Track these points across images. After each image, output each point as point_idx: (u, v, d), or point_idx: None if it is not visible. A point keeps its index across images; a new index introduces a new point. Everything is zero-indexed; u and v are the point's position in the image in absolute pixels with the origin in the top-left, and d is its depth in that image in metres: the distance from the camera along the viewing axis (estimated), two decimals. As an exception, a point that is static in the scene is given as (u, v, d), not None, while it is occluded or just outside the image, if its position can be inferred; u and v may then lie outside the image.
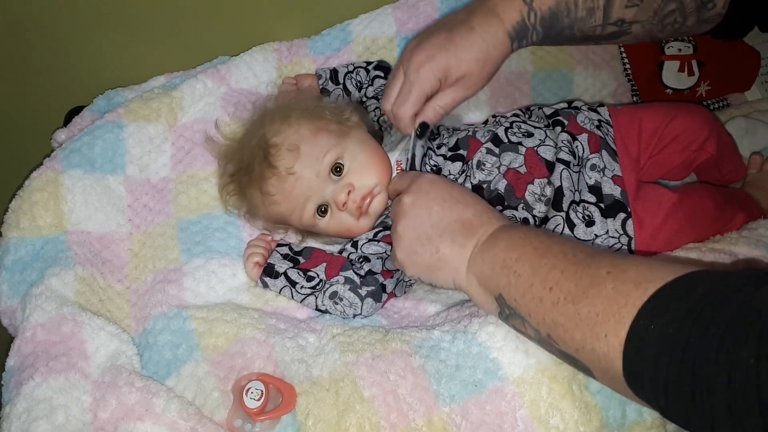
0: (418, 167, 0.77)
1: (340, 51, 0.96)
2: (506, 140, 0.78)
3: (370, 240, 0.77)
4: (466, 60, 0.69)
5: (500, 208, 0.74)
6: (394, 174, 0.79)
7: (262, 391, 0.61)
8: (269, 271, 0.76)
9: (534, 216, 0.74)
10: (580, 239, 0.74)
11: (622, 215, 0.74)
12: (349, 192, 0.76)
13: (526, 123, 0.80)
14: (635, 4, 0.66)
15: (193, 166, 0.85)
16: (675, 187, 0.84)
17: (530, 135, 0.78)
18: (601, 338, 0.47)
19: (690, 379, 0.41)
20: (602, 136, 0.79)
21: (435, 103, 0.72)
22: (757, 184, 0.90)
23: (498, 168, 0.76)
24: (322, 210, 0.78)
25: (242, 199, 0.81)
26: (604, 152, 0.78)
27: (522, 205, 0.74)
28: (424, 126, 0.73)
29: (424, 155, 0.79)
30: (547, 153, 0.76)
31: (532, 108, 0.87)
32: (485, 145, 0.78)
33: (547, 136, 0.78)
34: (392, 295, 0.77)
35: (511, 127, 0.79)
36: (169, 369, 0.67)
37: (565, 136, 0.78)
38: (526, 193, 0.74)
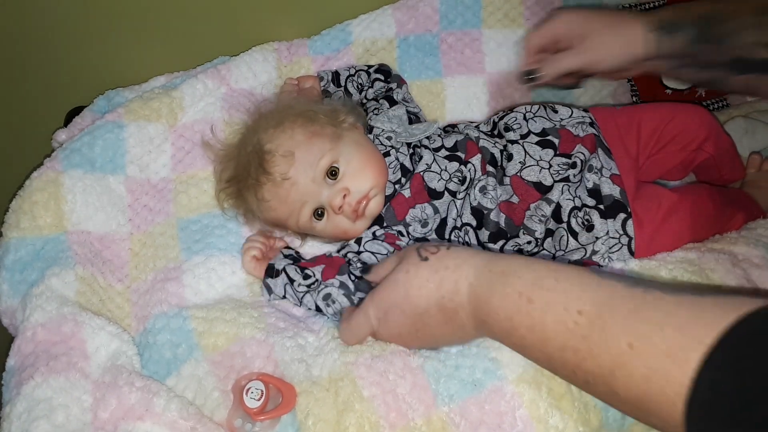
0: (410, 167, 0.77)
1: (339, 52, 0.96)
2: (499, 164, 0.78)
3: (374, 238, 0.77)
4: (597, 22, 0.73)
5: (503, 241, 0.75)
6: (390, 175, 0.79)
7: (262, 390, 0.61)
8: (270, 272, 0.76)
9: (536, 238, 0.75)
10: (582, 245, 0.74)
11: (622, 215, 0.74)
12: (344, 196, 0.76)
13: (516, 143, 0.79)
14: None
15: (193, 166, 0.85)
16: (674, 187, 0.84)
17: (510, 158, 0.78)
18: None
19: None
20: (596, 133, 0.79)
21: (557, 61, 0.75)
22: (756, 184, 0.90)
23: (496, 202, 0.76)
24: (319, 213, 0.78)
25: (239, 203, 0.81)
26: (599, 151, 0.78)
27: (522, 230, 0.75)
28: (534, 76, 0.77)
29: (413, 154, 0.79)
30: (531, 174, 0.76)
31: (510, 115, 0.84)
32: (488, 166, 0.77)
33: (526, 153, 0.77)
34: None
35: (504, 149, 0.79)
36: (169, 368, 0.68)
37: (559, 159, 0.77)
38: (525, 219, 0.75)
